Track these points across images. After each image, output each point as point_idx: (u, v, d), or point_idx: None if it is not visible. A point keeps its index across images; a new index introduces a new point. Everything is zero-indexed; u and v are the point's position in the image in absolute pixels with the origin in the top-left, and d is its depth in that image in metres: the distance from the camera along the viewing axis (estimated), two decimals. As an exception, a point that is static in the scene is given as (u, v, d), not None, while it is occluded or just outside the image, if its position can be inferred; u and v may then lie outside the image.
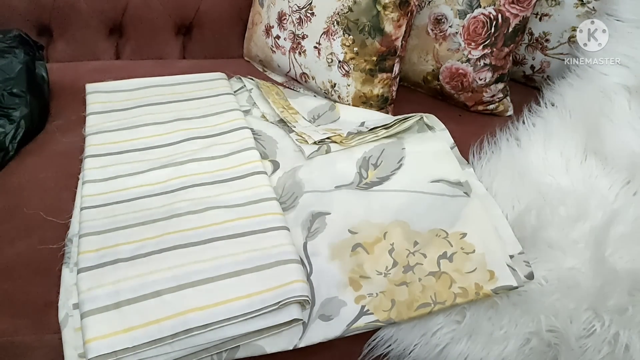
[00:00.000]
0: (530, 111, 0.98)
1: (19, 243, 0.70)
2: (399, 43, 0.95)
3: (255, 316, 0.61)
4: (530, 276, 0.69)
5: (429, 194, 0.81)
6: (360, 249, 0.72)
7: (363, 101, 1.00)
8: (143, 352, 0.58)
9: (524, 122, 0.95)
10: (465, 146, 0.92)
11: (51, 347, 0.62)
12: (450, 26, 1.01)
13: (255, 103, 1.00)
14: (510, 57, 1.02)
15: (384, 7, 0.91)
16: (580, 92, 0.94)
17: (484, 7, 0.96)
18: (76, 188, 0.78)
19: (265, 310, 0.61)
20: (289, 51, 1.04)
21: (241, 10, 1.18)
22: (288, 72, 1.08)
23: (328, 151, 0.88)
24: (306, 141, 0.88)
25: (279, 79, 1.13)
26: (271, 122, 0.95)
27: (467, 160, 0.90)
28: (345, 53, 0.96)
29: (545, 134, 0.90)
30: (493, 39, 0.97)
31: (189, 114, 0.93)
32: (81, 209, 0.73)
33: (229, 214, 0.73)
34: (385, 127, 0.91)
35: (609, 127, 0.86)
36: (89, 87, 0.96)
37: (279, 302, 0.61)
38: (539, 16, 1.08)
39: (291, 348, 0.63)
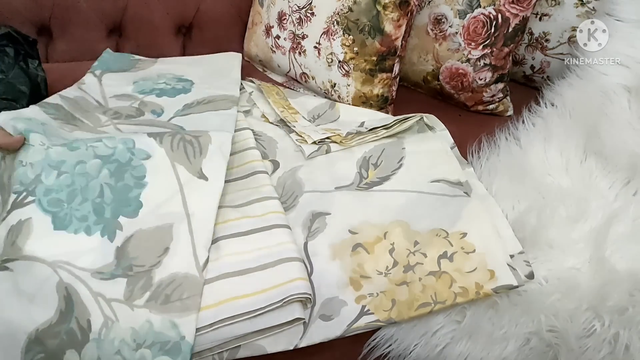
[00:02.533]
0: (530, 111, 0.98)
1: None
2: (399, 43, 0.95)
3: (260, 314, 0.61)
4: (530, 276, 0.69)
5: (429, 193, 0.81)
6: (361, 248, 0.72)
7: (363, 101, 1.00)
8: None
9: (523, 122, 0.95)
10: (465, 146, 0.92)
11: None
12: (450, 26, 1.01)
13: (255, 103, 1.00)
14: (510, 57, 1.02)
15: (384, 7, 0.91)
16: (580, 92, 0.94)
17: (484, 7, 0.96)
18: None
19: (269, 307, 0.61)
20: (289, 51, 1.04)
21: (241, 10, 1.18)
22: (288, 72, 1.08)
23: (328, 151, 0.88)
24: (305, 141, 0.88)
25: (279, 79, 1.13)
26: (271, 123, 0.95)
27: (467, 160, 0.90)
28: (345, 53, 0.96)
29: (545, 134, 0.90)
30: (493, 39, 0.98)
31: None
32: None
33: (232, 213, 0.73)
34: (385, 127, 0.91)
35: (609, 127, 0.86)
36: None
37: (283, 299, 0.62)
38: (539, 16, 1.08)
39: (292, 348, 0.63)
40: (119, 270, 0.61)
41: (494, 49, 0.99)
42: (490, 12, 0.96)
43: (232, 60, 1.10)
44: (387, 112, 1.02)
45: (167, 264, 0.63)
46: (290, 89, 1.09)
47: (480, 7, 0.96)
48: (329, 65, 0.99)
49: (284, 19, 1.02)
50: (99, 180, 0.66)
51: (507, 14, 0.95)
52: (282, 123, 0.95)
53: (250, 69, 1.16)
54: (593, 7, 1.02)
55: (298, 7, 0.99)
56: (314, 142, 0.88)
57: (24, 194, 0.64)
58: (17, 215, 0.62)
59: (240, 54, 1.13)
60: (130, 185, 0.67)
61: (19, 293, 0.58)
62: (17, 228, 0.62)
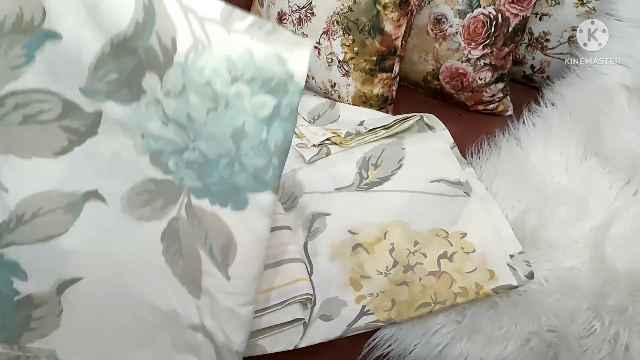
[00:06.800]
0: (530, 111, 0.98)
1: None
2: (399, 43, 0.95)
3: (260, 315, 0.61)
4: (530, 276, 0.69)
5: (429, 193, 0.81)
6: (361, 249, 0.72)
7: (363, 101, 1.00)
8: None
9: (524, 122, 0.95)
10: (465, 146, 0.92)
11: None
12: (450, 26, 1.01)
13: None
14: (510, 57, 1.02)
15: (384, 7, 0.91)
16: (580, 92, 0.94)
17: (484, 7, 0.96)
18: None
19: (270, 309, 0.61)
20: (289, 51, 1.04)
21: (241, 10, 1.18)
22: (288, 71, 1.08)
23: (328, 154, 0.88)
24: (305, 145, 0.88)
25: (279, 78, 1.13)
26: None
27: (467, 159, 0.90)
28: (345, 53, 0.96)
29: (545, 134, 0.90)
30: (493, 38, 0.97)
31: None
32: None
33: None
34: (385, 127, 0.91)
35: (609, 127, 0.86)
36: None
37: (284, 301, 0.62)
38: (539, 16, 1.08)
39: (292, 348, 0.63)
40: None
41: (494, 49, 0.99)
42: (490, 12, 0.96)
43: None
44: (387, 112, 1.02)
45: None
46: (290, 88, 1.09)
47: (480, 7, 0.96)
48: (329, 65, 0.99)
49: (284, 18, 1.02)
50: None
51: (507, 13, 0.95)
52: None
53: (250, 69, 1.16)
54: (593, 7, 1.02)
55: (298, 7, 0.99)
56: (314, 145, 0.88)
57: None
58: None
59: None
60: None
61: None
62: None
